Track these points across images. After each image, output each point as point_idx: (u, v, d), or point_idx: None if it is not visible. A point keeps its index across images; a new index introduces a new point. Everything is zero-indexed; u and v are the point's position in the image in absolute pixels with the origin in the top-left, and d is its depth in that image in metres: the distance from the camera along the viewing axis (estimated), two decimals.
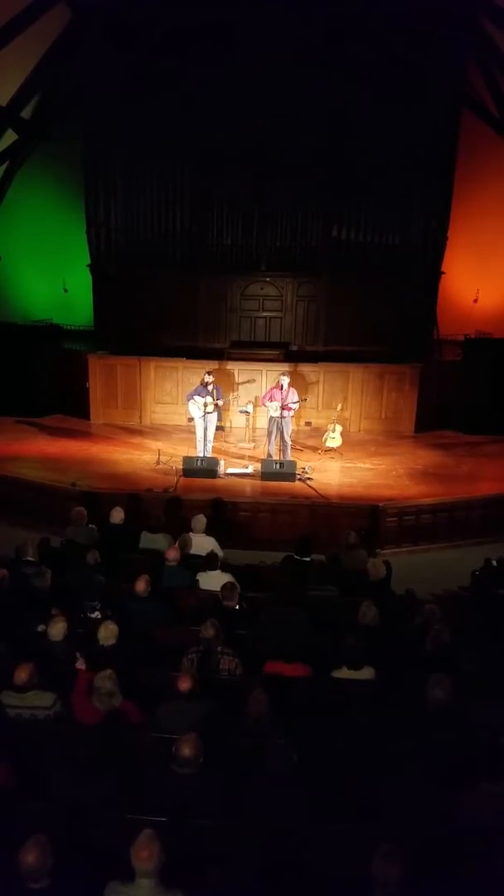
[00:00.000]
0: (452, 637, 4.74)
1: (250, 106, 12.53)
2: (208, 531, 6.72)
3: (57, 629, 4.53)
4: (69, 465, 9.70)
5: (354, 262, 13.11)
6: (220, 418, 9.89)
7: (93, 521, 6.97)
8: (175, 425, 11.80)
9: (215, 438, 9.96)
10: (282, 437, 9.53)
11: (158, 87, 12.52)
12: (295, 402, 9.45)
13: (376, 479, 9.42)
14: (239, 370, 11.90)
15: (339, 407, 10.98)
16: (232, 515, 8.17)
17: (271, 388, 9.69)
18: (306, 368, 11.96)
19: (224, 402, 9.86)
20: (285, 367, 11.71)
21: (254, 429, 11.01)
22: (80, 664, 4.33)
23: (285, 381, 9.40)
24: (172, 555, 5.92)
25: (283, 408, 9.31)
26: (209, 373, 9.64)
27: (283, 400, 9.30)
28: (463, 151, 12.61)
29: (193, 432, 9.86)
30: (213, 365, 11.48)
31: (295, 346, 13.49)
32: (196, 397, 9.42)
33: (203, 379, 9.52)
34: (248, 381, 11.79)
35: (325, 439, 10.43)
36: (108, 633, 4.49)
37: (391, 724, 3.84)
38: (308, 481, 9.07)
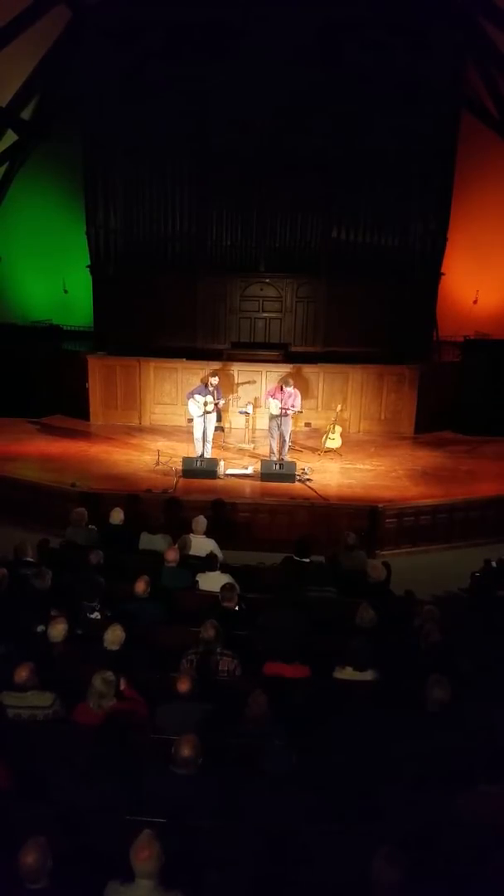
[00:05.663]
0: (448, 637, 4.73)
1: (250, 106, 12.55)
2: (208, 532, 6.72)
3: (57, 630, 4.52)
4: (69, 465, 9.70)
5: (354, 263, 13.11)
6: (219, 419, 9.88)
7: (92, 522, 6.96)
8: (175, 426, 11.80)
9: (214, 439, 9.96)
10: (282, 438, 9.55)
11: (158, 87, 12.52)
12: (293, 409, 9.46)
13: (375, 479, 9.42)
14: (238, 371, 11.90)
15: (339, 408, 10.97)
16: (231, 516, 8.16)
17: (275, 387, 9.69)
18: (306, 369, 11.95)
19: (224, 403, 9.86)
20: (285, 367, 11.72)
21: (253, 430, 11.01)
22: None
23: (290, 386, 9.40)
24: (172, 556, 5.91)
25: (282, 408, 9.33)
26: (214, 374, 9.61)
27: (283, 402, 9.31)
28: (462, 152, 12.62)
29: (192, 433, 9.87)
30: (214, 366, 11.51)
31: (294, 347, 13.50)
32: (196, 396, 9.42)
33: (208, 380, 9.52)
34: (248, 382, 11.80)
35: (325, 440, 10.43)
36: (114, 638, 4.45)
37: (390, 725, 3.84)
38: (307, 482, 9.07)
